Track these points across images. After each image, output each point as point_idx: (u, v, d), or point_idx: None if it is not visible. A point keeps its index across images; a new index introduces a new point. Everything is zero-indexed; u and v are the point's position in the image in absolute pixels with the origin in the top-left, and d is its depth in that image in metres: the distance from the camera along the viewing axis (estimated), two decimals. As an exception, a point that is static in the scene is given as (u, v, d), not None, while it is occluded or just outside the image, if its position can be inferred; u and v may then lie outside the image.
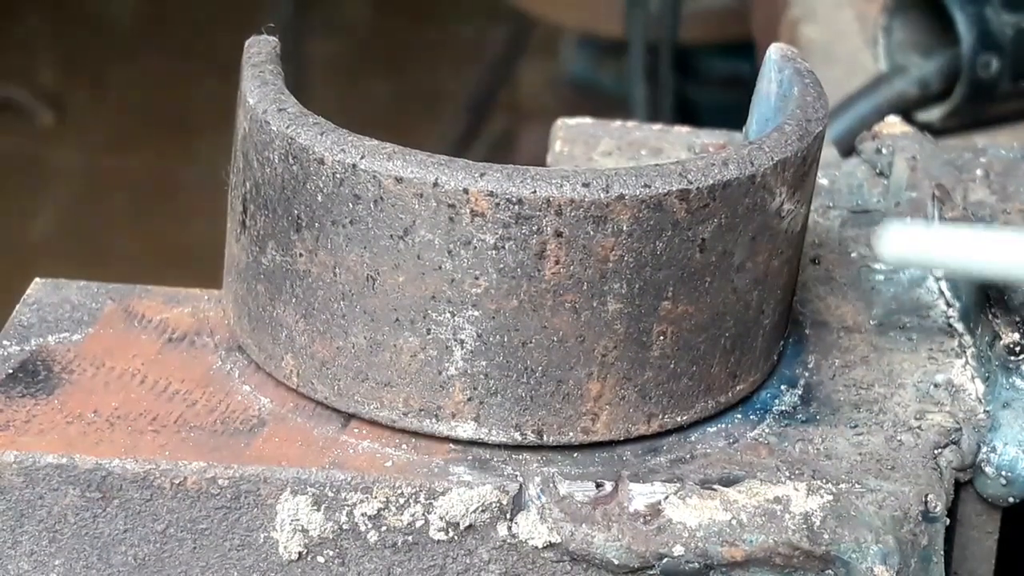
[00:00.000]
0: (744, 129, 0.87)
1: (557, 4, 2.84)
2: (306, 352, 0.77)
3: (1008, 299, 0.84)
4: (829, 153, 1.01)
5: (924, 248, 0.79)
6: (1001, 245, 0.78)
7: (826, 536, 0.74)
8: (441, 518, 0.74)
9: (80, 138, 3.31)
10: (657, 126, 1.04)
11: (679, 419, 0.78)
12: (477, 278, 0.74)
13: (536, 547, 0.74)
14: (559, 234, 0.73)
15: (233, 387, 0.80)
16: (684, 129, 1.03)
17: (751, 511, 0.74)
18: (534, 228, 0.73)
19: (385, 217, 0.74)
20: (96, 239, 2.98)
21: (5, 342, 0.82)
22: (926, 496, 0.77)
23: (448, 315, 0.74)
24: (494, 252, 0.73)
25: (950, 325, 0.87)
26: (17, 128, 3.33)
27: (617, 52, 2.83)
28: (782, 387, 0.82)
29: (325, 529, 0.74)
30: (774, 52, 0.84)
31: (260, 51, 0.81)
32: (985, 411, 0.81)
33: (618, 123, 1.03)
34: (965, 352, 0.85)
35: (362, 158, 0.73)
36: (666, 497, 0.75)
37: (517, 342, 0.75)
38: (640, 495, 0.75)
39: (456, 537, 0.75)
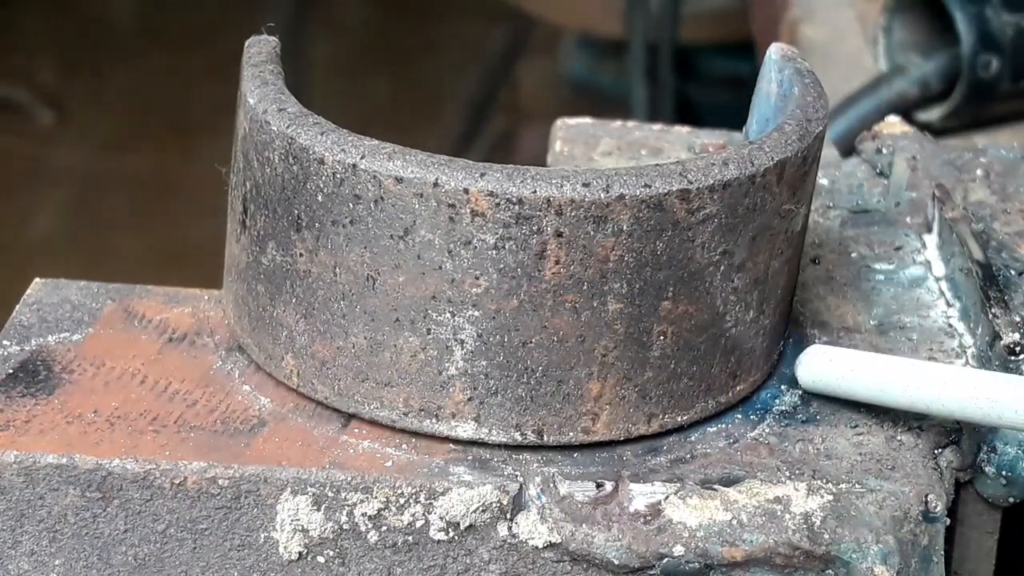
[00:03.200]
0: (744, 129, 0.87)
1: (557, 4, 2.84)
2: (306, 352, 0.77)
3: (1008, 299, 0.84)
4: (829, 153, 1.01)
5: (840, 374, 0.79)
6: (917, 375, 0.77)
7: (826, 536, 0.74)
8: (441, 518, 0.74)
9: (80, 138, 3.31)
10: (657, 126, 1.03)
11: (679, 419, 0.78)
12: (477, 278, 0.74)
13: (536, 547, 0.74)
14: (559, 234, 0.73)
15: (233, 387, 0.80)
16: (684, 129, 1.03)
17: (751, 511, 0.74)
18: (534, 228, 0.73)
19: (385, 217, 0.74)
20: (96, 239, 2.97)
21: (5, 342, 0.82)
22: (926, 496, 0.77)
23: (448, 315, 0.74)
24: (494, 252, 0.73)
25: (950, 325, 0.87)
26: (17, 128, 3.33)
27: (617, 52, 2.83)
28: (782, 387, 0.82)
29: (325, 529, 0.74)
30: (774, 52, 0.85)
31: (260, 51, 0.81)
32: (985, 411, 0.81)
33: (618, 123, 1.03)
34: (965, 352, 0.85)
35: (362, 158, 0.73)
36: (666, 497, 0.75)
37: (517, 342, 0.75)
38: (640, 495, 0.75)
39: (456, 537, 0.75)
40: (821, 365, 0.80)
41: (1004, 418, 0.74)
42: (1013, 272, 0.87)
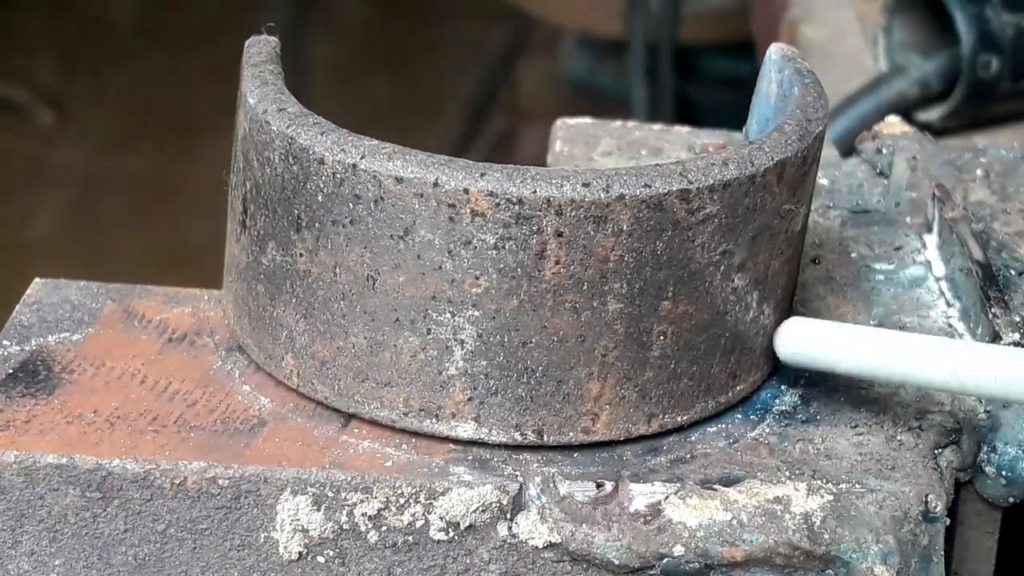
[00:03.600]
0: (744, 129, 0.87)
1: (557, 4, 2.84)
2: (306, 352, 0.77)
3: (1008, 299, 0.84)
4: (829, 153, 1.01)
5: (822, 346, 0.79)
6: (899, 347, 0.77)
7: (826, 536, 0.74)
8: (441, 518, 0.74)
9: (80, 138, 3.31)
10: (657, 126, 1.03)
11: (679, 419, 0.78)
12: (477, 278, 0.74)
13: (536, 547, 0.74)
14: (559, 234, 0.73)
15: (233, 387, 0.80)
16: (684, 129, 1.03)
17: (751, 511, 0.74)
18: (534, 228, 0.73)
19: (385, 217, 0.74)
20: (96, 239, 2.97)
21: (5, 342, 0.82)
22: (926, 496, 0.77)
23: (448, 315, 0.74)
24: (494, 252, 0.73)
25: (950, 325, 0.87)
26: (17, 128, 3.33)
27: (617, 52, 2.83)
28: (782, 387, 0.82)
29: (325, 529, 0.74)
30: (774, 52, 0.85)
31: (260, 51, 0.81)
32: (985, 411, 0.81)
33: (618, 123, 1.03)
34: (965, 352, 0.85)
35: (362, 158, 0.73)
36: (666, 497, 0.75)
37: (517, 342, 0.75)
38: (640, 495, 0.75)
39: (456, 537, 0.75)
40: (799, 337, 0.80)
41: (966, 385, 0.75)
42: (1013, 272, 0.87)
